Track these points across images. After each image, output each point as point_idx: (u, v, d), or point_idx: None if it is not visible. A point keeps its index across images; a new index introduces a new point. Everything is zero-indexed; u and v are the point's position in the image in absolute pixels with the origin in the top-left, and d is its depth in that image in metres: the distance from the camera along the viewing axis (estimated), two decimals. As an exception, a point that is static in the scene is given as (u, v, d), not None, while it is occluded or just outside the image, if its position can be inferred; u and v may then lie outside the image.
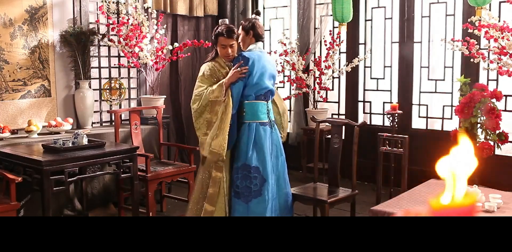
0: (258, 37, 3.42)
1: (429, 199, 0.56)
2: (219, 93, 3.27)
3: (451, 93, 4.83)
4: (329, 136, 4.10)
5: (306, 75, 5.36)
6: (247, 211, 3.27)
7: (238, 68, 3.27)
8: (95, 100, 4.77)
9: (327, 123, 4.49)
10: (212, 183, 3.35)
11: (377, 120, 5.36)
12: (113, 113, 4.56)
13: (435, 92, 4.96)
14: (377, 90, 5.34)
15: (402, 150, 3.80)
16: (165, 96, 5.08)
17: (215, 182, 3.34)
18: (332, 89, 5.58)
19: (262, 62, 3.35)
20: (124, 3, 4.82)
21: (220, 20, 3.54)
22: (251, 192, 3.24)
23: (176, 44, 4.95)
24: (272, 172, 3.33)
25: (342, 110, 5.57)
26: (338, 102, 5.61)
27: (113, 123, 4.61)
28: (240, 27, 3.44)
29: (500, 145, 4.30)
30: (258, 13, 3.55)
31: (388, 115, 4.37)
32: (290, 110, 5.90)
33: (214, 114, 3.29)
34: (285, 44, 5.36)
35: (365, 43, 5.38)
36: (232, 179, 3.32)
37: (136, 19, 4.74)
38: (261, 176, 3.26)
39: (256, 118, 3.33)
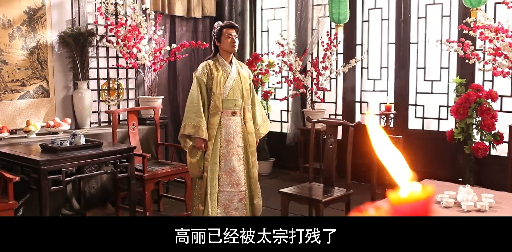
0: None
1: (389, 193, 0.58)
2: (189, 132, 3.47)
3: (447, 94, 4.86)
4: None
5: (303, 76, 5.39)
6: None
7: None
8: (94, 101, 4.80)
9: (324, 124, 4.51)
10: (201, 183, 3.56)
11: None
12: (111, 114, 4.59)
13: (431, 93, 4.98)
14: (374, 91, 5.37)
15: (396, 150, 3.82)
16: (163, 97, 5.11)
17: (202, 182, 3.54)
18: (330, 90, 5.61)
19: None
20: (122, 5, 4.85)
21: (215, 23, 3.68)
22: None
23: (174, 45, 4.98)
24: None
25: (339, 111, 5.60)
26: (335, 102, 5.64)
27: (111, 123, 4.64)
28: None
29: (495, 145, 4.33)
30: None
31: (382, 116, 4.39)
32: (287, 111, 5.94)
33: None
34: (282, 45, 5.39)
35: (362, 44, 5.41)
36: None
37: (134, 20, 4.77)
38: None
39: None
